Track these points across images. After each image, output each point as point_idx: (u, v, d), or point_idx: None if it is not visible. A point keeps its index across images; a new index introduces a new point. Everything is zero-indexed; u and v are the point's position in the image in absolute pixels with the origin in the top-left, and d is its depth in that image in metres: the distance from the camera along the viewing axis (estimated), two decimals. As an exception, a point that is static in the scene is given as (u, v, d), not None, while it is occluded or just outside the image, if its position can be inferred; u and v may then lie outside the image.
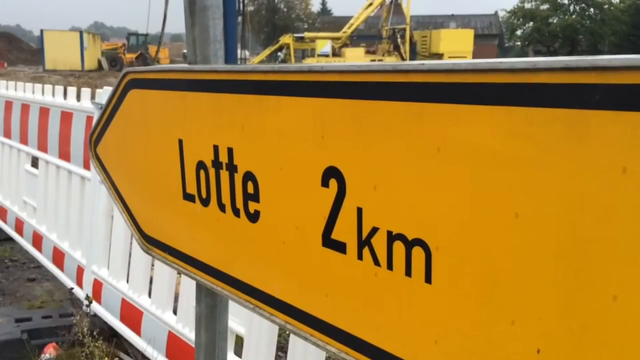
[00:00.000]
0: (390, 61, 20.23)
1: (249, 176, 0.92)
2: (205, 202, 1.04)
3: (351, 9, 49.56)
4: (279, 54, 21.22)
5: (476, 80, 0.58)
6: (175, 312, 2.32)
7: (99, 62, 32.00)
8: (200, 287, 1.18)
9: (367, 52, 21.19)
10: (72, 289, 2.96)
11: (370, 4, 21.23)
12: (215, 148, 0.99)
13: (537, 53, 44.11)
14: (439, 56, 21.01)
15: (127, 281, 2.62)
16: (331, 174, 0.76)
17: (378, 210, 0.71)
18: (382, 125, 0.69)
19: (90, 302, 2.54)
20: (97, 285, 2.77)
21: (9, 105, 3.86)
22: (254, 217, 0.93)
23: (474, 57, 22.39)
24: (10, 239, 4.11)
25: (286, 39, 20.40)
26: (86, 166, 2.83)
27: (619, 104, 0.48)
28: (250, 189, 0.93)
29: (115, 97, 1.26)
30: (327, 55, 19.87)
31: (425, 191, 0.65)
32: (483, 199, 0.59)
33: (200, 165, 1.04)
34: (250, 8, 51.23)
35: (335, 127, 0.75)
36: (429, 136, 0.64)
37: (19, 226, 3.74)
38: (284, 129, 0.84)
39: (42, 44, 30.42)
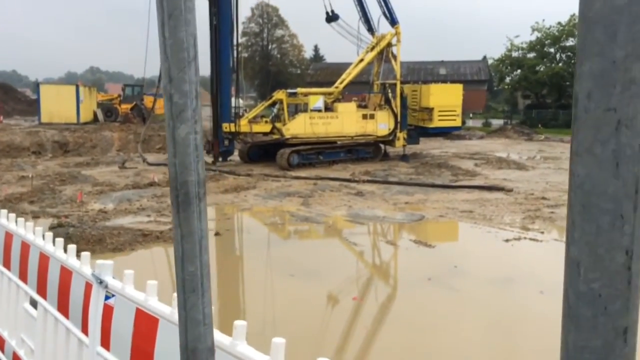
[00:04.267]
0: (382, 115, 20.64)
1: None
2: None
3: (343, 55, 50.65)
4: (272, 109, 21.59)
5: None
6: None
7: (95, 113, 32.46)
8: None
9: (359, 106, 21.62)
10: None
11: (362, 60, 21.74)
12: None
13: (526, 98, 45.18)
14: (430, 110, 21.46)
15: None
16: None
17: None
18: None
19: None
20: None
21: (9, 236, 3.97)
22: None
23: (464, 102, 22.88)
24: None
25: (279, 94, 20.80)
26: (84, 330, 2.92)
27: None
28: None
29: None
30: (319, 110, 20.24)
31: None
32: None
33: None
34: (245, 55, 52.42)
35: None
36: None
37: (16, 362, 3.80)
38: None
39: (38, 98, 30.88)
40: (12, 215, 4.09)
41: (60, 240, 3.36)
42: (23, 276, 3.74)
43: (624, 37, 0.46)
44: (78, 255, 3.14)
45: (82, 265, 3.02)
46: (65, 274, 3.15)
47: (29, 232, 3.74)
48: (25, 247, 3.71)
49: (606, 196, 0.49)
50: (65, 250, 3.25)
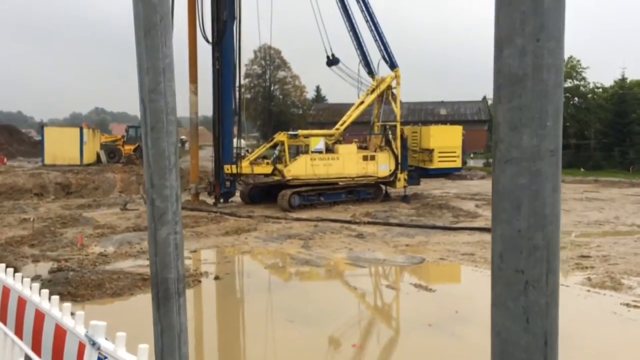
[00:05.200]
0: (382, 156, 20.79)
1: None
2: None
3: (344, 96, 51.38)
4: (274, 150, 21.79)
5: None
6: None
7: (98, 155, 32.81)
8: None
9: (360, 147, 21.83)
10: None
11: (362, 103, 22.07)
12: None
13: (526, 137, 45.38)
14: (430, 151, 21.64)
15: None
16: None
17: None
18: None
19: None
20: None
21: (6, 291, 4.01)
22: None
23: (465, 142, 23.05)
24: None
25: (281, 136, 21.05)
26: (77, 391, 2.93)
27: None
28: None
29: None
30: (320, 152, 20.43)
31: None
32: None
33: None
34: (247, 96, 53.25)
35: None
36: None
37: (9, 419, 3.77)
38: None
39: (42, 139, 31.29)
40: (10, 270, 4.13)
41: (55, 298, 3.39)
42: (19, 332, 3.75)
43: (527, 210, 0.53)
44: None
45: (77, 324, 3.05)
46: (60, 332, 3.17)
47: (26, 287, 3.78)
48: (21, 302, 3.74)
49: (520, 347, 0.54)
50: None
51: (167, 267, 1.04)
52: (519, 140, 0.54)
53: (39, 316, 3.44)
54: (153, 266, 1.04)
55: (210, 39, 19.88)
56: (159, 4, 0.94)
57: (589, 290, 9.62)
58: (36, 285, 3.72)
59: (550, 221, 0.53)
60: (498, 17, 0.54)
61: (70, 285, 9.24)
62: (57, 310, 3.33)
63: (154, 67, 0.96)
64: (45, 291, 3.55)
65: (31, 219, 15.75)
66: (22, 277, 3.91)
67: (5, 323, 4.00)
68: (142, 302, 9.27)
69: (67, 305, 3.24)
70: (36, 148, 37.04)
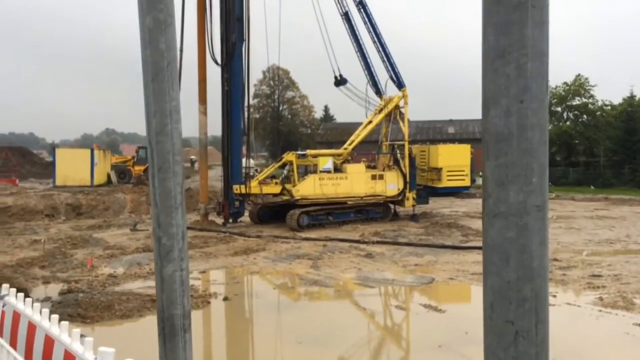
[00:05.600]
0: (391, 175, 20.79)
1: None
2: None
3: (353, 115, 51.50)
4: (282, 170, 21.85)
5: None
6: None
7: (108, 176, 33.07)
8: None
9: (368, 166, 21.83)
10: None
11: (370, 122, 22.14)
12: None
13: (535, 154, 45.18)
14: (438, 170, 21.62)
15: None
16: None
17: None
18: None
19: None
20: None
21: (16, 316, 4.04)
22: None
23: (473, 160, 22.98)
24: None
25: (289, 156, 21.11)
26: (85, 417, 2.94)
27: None
28: None
29: None
30: (329, 171, 20.46)
31: None
32: None
33: None
34: (256, 116, 53.62)
35: None
36: None
37: None
38: None
39: (54, 161, 31.59)
40: (21, 295, 4.16)
41: (65, 323, 3.42)
42: (28, 356, 3.77)
43: (515, 263, 0.55)
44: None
45: (85, 350, 3.07)
46: (69, 358, 3.18)
47: (36, 312, 3.81)
48: (31, 327, 3.76)
49: (510, 395, 0.56)
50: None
51: (173, 303, 1.06)
52: (506, 195, 0.56)
53: (49, 342, 3.46)
54: (159, 302, 1.06)
55: (219, 60, 20.12)
56: (166, 50, 0.98)
57: (600, 310, 9.50)
58: (46, 310, 3.75)
59: (538, 274, 0.55)
60: (485, 79, 0.57)
61: (80, 307, 9.27)
62: (66, 336, 3.35)
63: (161, 110, 0.99)
64: (55, 316, 3.58)
65: (42, 240, 15.86)
66: (32, 302, 3.94)
67: (15, 348, 4.02)
68: (151, 324, 9.23)
69: (77, 331, 3.26)
70: (48, 169, 37.40)
